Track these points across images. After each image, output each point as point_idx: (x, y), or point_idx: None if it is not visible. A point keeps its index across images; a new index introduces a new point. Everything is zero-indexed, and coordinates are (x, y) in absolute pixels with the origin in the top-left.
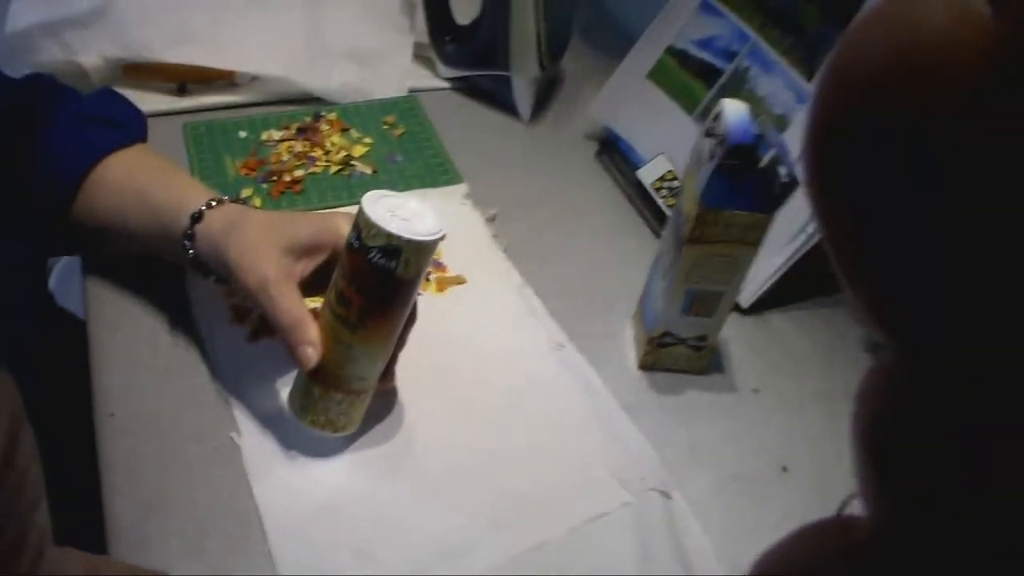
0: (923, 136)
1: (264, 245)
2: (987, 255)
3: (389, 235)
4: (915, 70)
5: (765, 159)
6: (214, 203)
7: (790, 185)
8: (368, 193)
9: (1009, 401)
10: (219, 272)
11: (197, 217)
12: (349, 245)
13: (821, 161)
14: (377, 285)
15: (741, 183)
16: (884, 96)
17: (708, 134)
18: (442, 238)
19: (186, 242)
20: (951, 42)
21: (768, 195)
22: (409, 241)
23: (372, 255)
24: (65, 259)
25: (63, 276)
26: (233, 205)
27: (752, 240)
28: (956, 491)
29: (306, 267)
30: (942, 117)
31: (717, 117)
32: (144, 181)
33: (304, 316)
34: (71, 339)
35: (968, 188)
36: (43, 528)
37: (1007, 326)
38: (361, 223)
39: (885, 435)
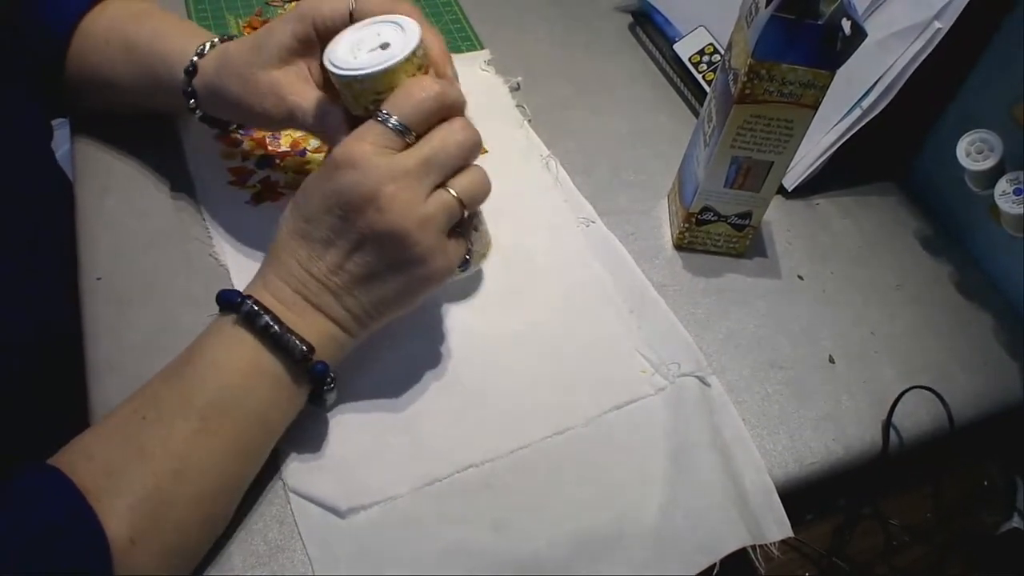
0: None
1: (253, 69)
2: None
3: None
4: None
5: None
6: (204, 49)
7: (855, 38)
8: (326, 52)
9: None
10: (231, 116)
11: (191, 72)
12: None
13: None
14: None
15: (799, 34)
16: None
17: None
18: (419, 43)
19: (191, 102)
20: None
21: (829, 49)
22: (385, 72)
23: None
24: None
25: None
26: (216, 48)
27: (809, 101)
28: None
29: (313, 58)
30: None
31: None
32: (130, 31)
33: (327, 107)
34: None
35: None
36: None
37: None
38: (341, 91)
39: None
